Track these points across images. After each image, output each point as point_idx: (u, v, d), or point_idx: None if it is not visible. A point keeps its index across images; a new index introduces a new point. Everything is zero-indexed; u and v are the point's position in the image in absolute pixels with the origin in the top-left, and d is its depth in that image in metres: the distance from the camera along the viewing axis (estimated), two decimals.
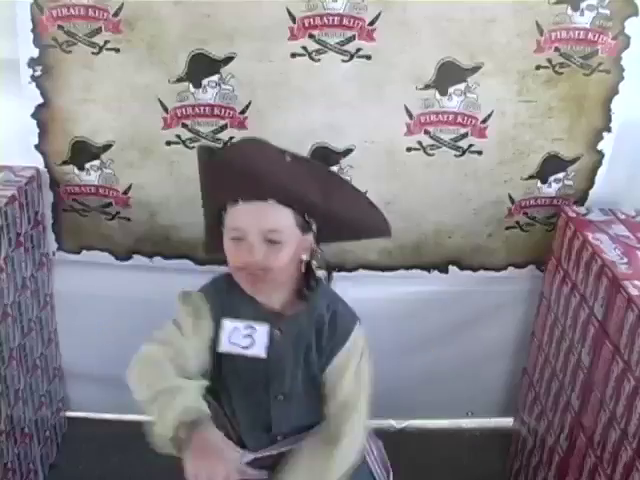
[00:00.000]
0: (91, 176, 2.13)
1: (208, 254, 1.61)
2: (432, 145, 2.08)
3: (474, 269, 2.30)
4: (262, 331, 1.46)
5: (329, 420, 1.50)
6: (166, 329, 1.49)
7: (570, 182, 2.18)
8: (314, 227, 1.45)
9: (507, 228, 2.24)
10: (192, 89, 2.01)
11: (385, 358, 2.36)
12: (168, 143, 2.08)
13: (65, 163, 2.11)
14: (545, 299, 2.28)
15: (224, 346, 1.47)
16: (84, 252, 2.25)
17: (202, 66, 1.98)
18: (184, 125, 2.06)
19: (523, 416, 2.44)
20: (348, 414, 1.49)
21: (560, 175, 2.16)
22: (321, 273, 1.54)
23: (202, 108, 2.04)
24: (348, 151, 2.07)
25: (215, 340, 1.48)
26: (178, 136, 2.07)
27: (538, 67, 2.00)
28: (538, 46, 1.97)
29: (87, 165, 2.11)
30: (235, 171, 1.36)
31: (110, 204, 2.18)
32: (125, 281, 2.28)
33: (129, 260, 2.26)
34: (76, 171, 2.13)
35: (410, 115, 2.04)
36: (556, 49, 1.98)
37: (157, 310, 2.14)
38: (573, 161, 2.14)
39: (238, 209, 1.39)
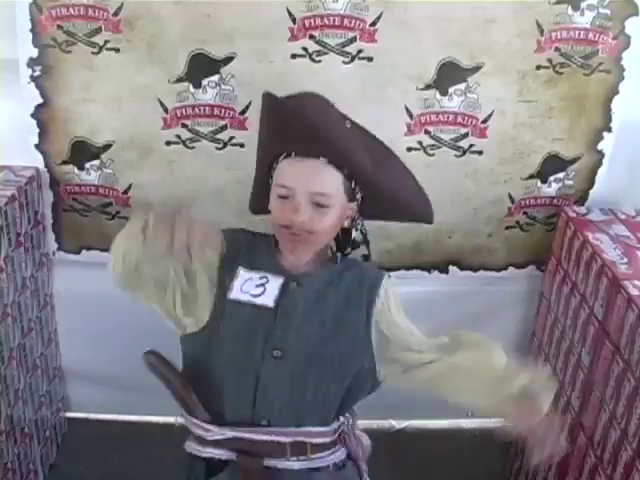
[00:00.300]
0: (91, 176, 2.13)
1: (254, 213, 1.61)
2: (432, 145, 2.08)
3: (474, 269, 2.30)
4: (275, 282, 1.43)
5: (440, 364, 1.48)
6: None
7: (570, 182, 2.18)
8: (359, 196, 1.44)
9: (507, 228, 2.24)
10: (192, 89, 2.01)
11: None
12: (168, 143, 2.07)
13: (65, 163, 2.11)
14: (545, 299, 2.28)
15: (235, 293, 1.44)
16: (84, 252, 2.25)
17: (202, 66, 1.98)
18: (184, 125, 2.05)
19: None
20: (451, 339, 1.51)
21: (560, 175, 2.16)
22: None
23: (202, 108, 2.03)
24: None
25: (223, 286, 1.45)
26: (178, 136, 2.07)
27: (538, 67, 2.00)
28: (538, 46, 1.97)
29: (87, 165, 2.11)
30: (294, 123, 1.34)
31: (110, 204, 2.18)
32: None
33: None
34: (76, 171, 2.13)
35: (410, 115, 2.04)
36: (556, 49, 1.98)
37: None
38: (573, 161, 2.14)
39: (290, 164, 1.38)
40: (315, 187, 1.37)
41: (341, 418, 1.55)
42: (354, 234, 1.50)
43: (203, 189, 2.12)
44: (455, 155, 2.10)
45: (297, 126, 1.34)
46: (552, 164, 2.14)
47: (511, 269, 2.31)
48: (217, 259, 1.47)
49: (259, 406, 1.43)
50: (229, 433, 1.45)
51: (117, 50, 1.96)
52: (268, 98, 1.43)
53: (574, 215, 2.14)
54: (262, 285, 1.43)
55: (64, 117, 2.04)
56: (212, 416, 1.47)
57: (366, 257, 1.57)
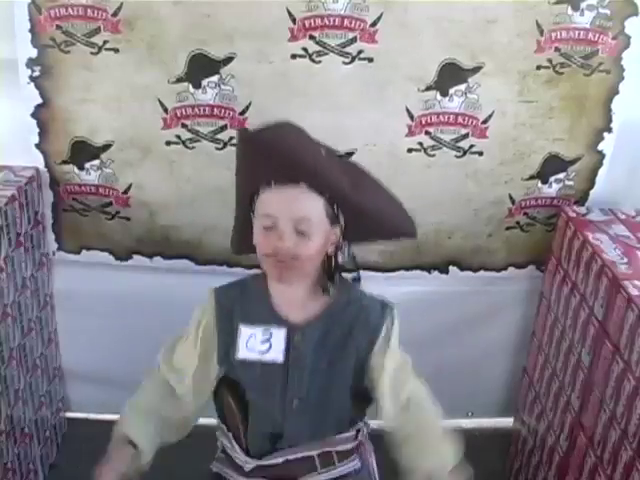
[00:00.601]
0: (91, 176, 2.13)
1: (236, 254, 1.62)
2: (433, 146, 2.08)
3: (474, 269, 2.30)
4: (279, 335, 1.47)
5: (404, 416, 1.55)
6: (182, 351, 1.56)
7: (571, 182, 2.17)
8: (342, 221, 1.45)
9: (507, 228, 2.24)
10: (192, 89, 2.00)
11: None
12: (168, 143, 2.07)
13: (65, 162, 2.11)
14: (545, 299, 2.28)
15: (242, 352, 1.48)
16: (84, 252, 2.25)
17: (202, 66, 1.97)
18: (184, 125, 2.05)
19: (523, 416, 2.44)
20: (416, 404, 1.57)
21: (561, 175, 2.16)
22: (348, 275, 1.55)
23: (202, 108, 2.03)
24: (349, 154, 2.06)
25: (228, 348, 1.50)
26: (178, 136, 2.06)
27: (539, 67, 1.99)
28: (538, 46, 1.96)
29: (87, 165, 2.11)
30: (271, 153, 1.35)
31: (110, 204, 2.18)
32: (125, 281, 2.28)
33: (129, 260, 2.26)
34: (76, 170, 2.12)
35: (411, 117, 2.04)
36: (556, 49, 1.97)
37: (157, 310, 2.18)
38: (574, 161, 2.14)
39: (271, 193, 1.38)
40: (298, 213, 1.37)
41: (359, 422, 1.63)
42: (340, 259, 1.50)
43: (203, 189, 2.12)
44: (455, 156, 2.10)
45: (275, 156, 1.35)
46: (553, 164, 2.14)
47: (511, 269, 2.31)
48: (212, 324, 1.52)
49: (287, 440, 1.55)
50: (252, 462, 1.56)
51: (116, 50, 1.95)
52: (243, 133, 1.47)
53: (574, 215, 2.14)
54: (267, 340, 1.47)
55: (64, 117, 2.04)
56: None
57: (355, 279, 1.58)
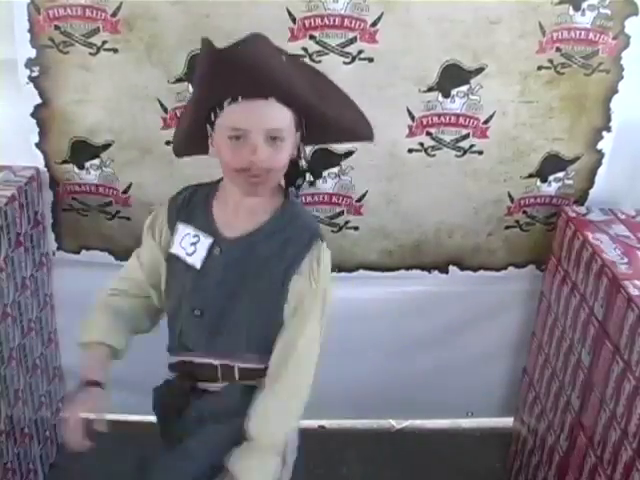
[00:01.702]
0: (91, 175, 2.13)
1: (179, 156, 1.65)
2: (433, 146, 2.08)
3: (474, 269, 2.30)
4: (204, 243, 1.51)
5: (273, 356, 1.50)
6: (129, 262, 1.66)
7: (570, 181, 2.18)
8: (304, 127, 1.46)
9: (507, 227, 2.24)
10: (191, 89, 1.98)
11: (385, 358, 2.40)
12: (168, 143, 2.04)
13: (65, 162, 2.11)
14: (545, 299, 2.28)
15: (174, 248, 1.54)
16: (84, 252, 2.25)
17: None
18: None
19: (523, 416, 2.44)
20: (288, 352, 1.48)
21: (560, 174, 2.16)
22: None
23: None
24: (349, 153, 2.07)
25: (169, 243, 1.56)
26: None
27: (540, 68, 1.99)
28: (540, 47, 1.96)
29: (87, 164, 2.11)
30: (239, 67, 1.32)
31: (110, 203, 2.17)
32: None
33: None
34: (76, 170, 2.12)
35: (412, 117, 2.04)
36: (557, 49, 1.97)
37: None
38: (573, 161, 2.14)
39: (239, 107, 1.36)
40: (271, 124, 1.37)
41: None
42: (301, 163, 1.52)
43: None
44: (455, 155, 2.10)
45: (243, 70, 1.32)
46: (552, 163, 2.14)
47: (511, 269, 2.31)
48: (164, 221, 1.59)
49: (188, 345, 1.58)
50: (171, 359, 1.62)
51: (115, 50, 1.95)
52: (208, 45, 1.37)
53: (574, 215, 2.14)
54: (194, 244, 1.52)
55: (63, 117, 2.04)
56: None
57: (311, 183, 1.61)
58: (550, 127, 2.08)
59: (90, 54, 1.95)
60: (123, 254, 2.21)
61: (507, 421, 2.59)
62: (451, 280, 2.32)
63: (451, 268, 2.30)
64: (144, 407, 2.42)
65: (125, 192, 2.16)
